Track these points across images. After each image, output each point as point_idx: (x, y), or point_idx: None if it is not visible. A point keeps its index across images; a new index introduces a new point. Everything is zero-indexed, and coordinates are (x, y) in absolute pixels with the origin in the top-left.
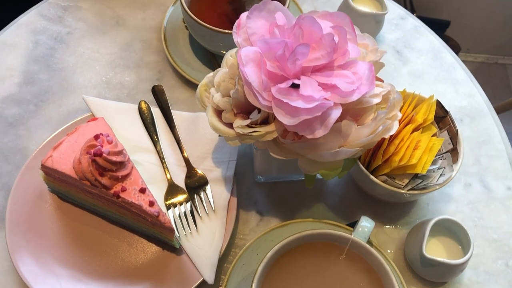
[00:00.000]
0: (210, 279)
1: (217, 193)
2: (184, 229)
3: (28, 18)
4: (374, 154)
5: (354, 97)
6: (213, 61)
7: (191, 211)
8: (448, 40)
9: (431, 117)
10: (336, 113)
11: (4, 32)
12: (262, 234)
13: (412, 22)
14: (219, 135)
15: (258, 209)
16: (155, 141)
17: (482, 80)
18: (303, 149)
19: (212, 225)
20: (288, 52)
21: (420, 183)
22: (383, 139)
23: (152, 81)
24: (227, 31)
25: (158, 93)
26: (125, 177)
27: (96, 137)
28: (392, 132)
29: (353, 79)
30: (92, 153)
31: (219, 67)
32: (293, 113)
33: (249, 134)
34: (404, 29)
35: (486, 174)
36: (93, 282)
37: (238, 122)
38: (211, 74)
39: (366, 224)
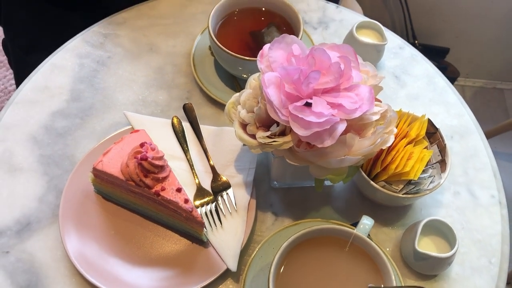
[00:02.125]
0: (233, 267)
1: (238, 195)
2: (210, 225)
3: (74, 44)
4: (374, 164)
5: (357, 114)
6: (235, 83)
7: (216, 210)
8: (447, 66)
9: (423, 132)
10: (341, 127)
11: (54, 56)
12: (277, 231)
13: (409, 51)
14: (243, 145)
15: (273, 210)
16: (185, 151)
17: (481, 103)
18: (314, 156)
19: (234, 222)
20: (303, 77)
21: (413, 188)
22: (382, 151)
23: (182, 100)
24: (247, 58)
25: (188, 110)
26: (164, 178)
27: (142, 144)
28: (389, 144)
29: (356, 100)
30: (139, 157)
31: (241, 88)
32: (306, 126)
33: (269, 143)
34: (402, 57)
35: (472, 184)
36: (133, 269)
37: (260, 134)
38: (238, 94)
39: (366, 222)
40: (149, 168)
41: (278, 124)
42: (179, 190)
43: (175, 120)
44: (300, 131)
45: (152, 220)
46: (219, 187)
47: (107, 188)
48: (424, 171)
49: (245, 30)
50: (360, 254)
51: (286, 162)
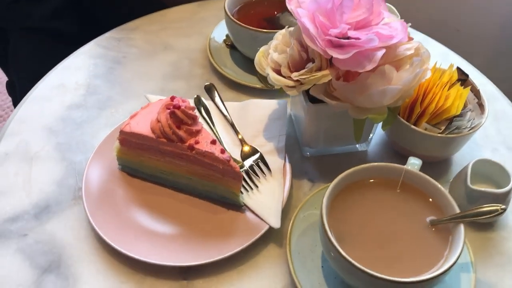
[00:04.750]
0: (276, 224)
1: (271, 161)
2: (246, 189)
3: (86, 48)
4: (412, 110)
5: (393, 41)
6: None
7: (250, 176)
8: None
9: (455, 76)
10: (380, 52)
11: (66, 60)
12: (318, 190)
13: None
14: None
15: (309, 177)
16: (210, 126)
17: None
18: (354, 91)
19: (270, 185)
20: (335, 6)
21: (455, 129)
22: (418, 95)
23: (201, 87)
24: (265, 30)
25: (209, 90)
26: (198, 132)
27: (172, 98)
28: (428, 76)
29: (390, 30)
30: (172, 106)
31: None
32: (346, 50)
33: (307, 78)
34: None
35: (509, 140)
36: (169, 241)
37: (296, 73)
38: (266, 45)
39: (415, 161)
40: (183, 117)
41: (313, 61)
42: (213, 142)
43: (198, 99)
44: (340, 55)
45: (184, 191)
46: (249, 155)
47: (134, 158)
48: (462, 115)
49: (259, 17)
50: (413, 192)
51: (320, 120)
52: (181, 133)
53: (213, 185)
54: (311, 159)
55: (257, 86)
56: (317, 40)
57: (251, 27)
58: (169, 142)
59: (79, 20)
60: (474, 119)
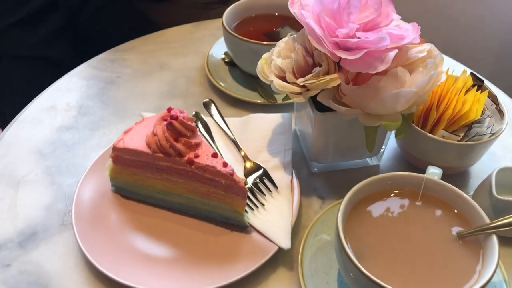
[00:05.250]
0: (286, 244)
1: (277, 177)
2: (252, 208)
3: (79, 69)
4: (426, 120)
5: (405, 41)
6: (256, 85)
7: (255, 194)
8: None
9: (470, 81)
10: (393, 53)
11: (57, 82)
12: (330, 207)
13: None
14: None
15: (318, 194)
16: (210, 143)
17: None
18: (365, 96)
19: (278, 203)
20: (341, 7)
21: (474, 136)
22: (432, 104)
23: (199, 105)
24: (265, 43)
25: (208, 106)
26: (198, 145)
27: (169, 109)
28: (443, 79)
29: (401, 30)
30: (169, 117)
31: (261, 87)
32: (355, 51)
33: (315, 83)
34: None
35: None
36: (168, 266)
37: (303, 78)
38: (269, 52)
39: (434, 170)
40: (181, 129)
41: (320, 66)
42: (215, 155)
43: (195, 115)
44: (350, 56)
45: (183, 212)
46: (252, 171)
47: (129, 177)
48: (480, 121)
49: (259, 33)
50: (436, 203)
51: (329, 130)
52: (179, 146)
53: (215, 204)
54: (320, 175)
55: (259, 101)
56: (324, 42)
57: (251, 40)
58: (166, 157)
59: (72, 46)
60: (493, 125)
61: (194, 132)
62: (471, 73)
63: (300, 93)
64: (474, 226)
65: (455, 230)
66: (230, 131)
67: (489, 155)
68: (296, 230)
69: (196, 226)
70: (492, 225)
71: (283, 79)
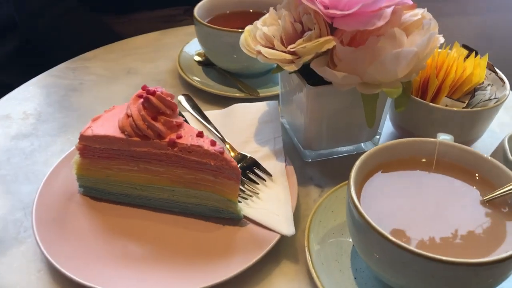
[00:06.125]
0: (289, 231)
1: (270, 166)
2: (245, 198)
3: (38, 78)
4: (425, 91)
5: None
6: (235, 82)
7: (245, 183)
8: None
9: (464, 52)
10: (389, 9)
11: (11, 93)
12: (331, 192)
13: None
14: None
15: (315, 183)
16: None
17: None
18: (363, 59)
19: (273, 191)
20: None
21: (479, 103)
22: (429, 76)
23: None
24: (241, 30)
25: (186, 100)
26: (180, 126)
27: (143, 87)
28: (441, 42)
29: None
30: (145, 92)
31: (242, 83)
32: (349, 6)
33: (308, 47)
34: None
35: None
36: (154, 270)
37: (294, 44)
38: (251, 25)
39: (445, 136)
40: (159, 106)
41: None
42: (200, 134)
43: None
44: (344, 12)
45: (165, 209)
46: (242, 164)
47: (99, 173)
48: (481, 89)
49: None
50: (453, 170)
51: (323, 107)
52: (158, 125)
53: (203, 195)
54: (315, 164)
55: (238, 95)
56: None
57: (231, 29)
58: (144, 141)
59: (26, 68)
60: (495, 92)
61: (174, 110)
62: (463, 45)
63: (291, 61)
64: (500, 187)
65: (480, 195)
66: (212, 123)
67: (488, 132)
68: (296, 220)
69: (182, 224)
70: None
71: (272, 48)
